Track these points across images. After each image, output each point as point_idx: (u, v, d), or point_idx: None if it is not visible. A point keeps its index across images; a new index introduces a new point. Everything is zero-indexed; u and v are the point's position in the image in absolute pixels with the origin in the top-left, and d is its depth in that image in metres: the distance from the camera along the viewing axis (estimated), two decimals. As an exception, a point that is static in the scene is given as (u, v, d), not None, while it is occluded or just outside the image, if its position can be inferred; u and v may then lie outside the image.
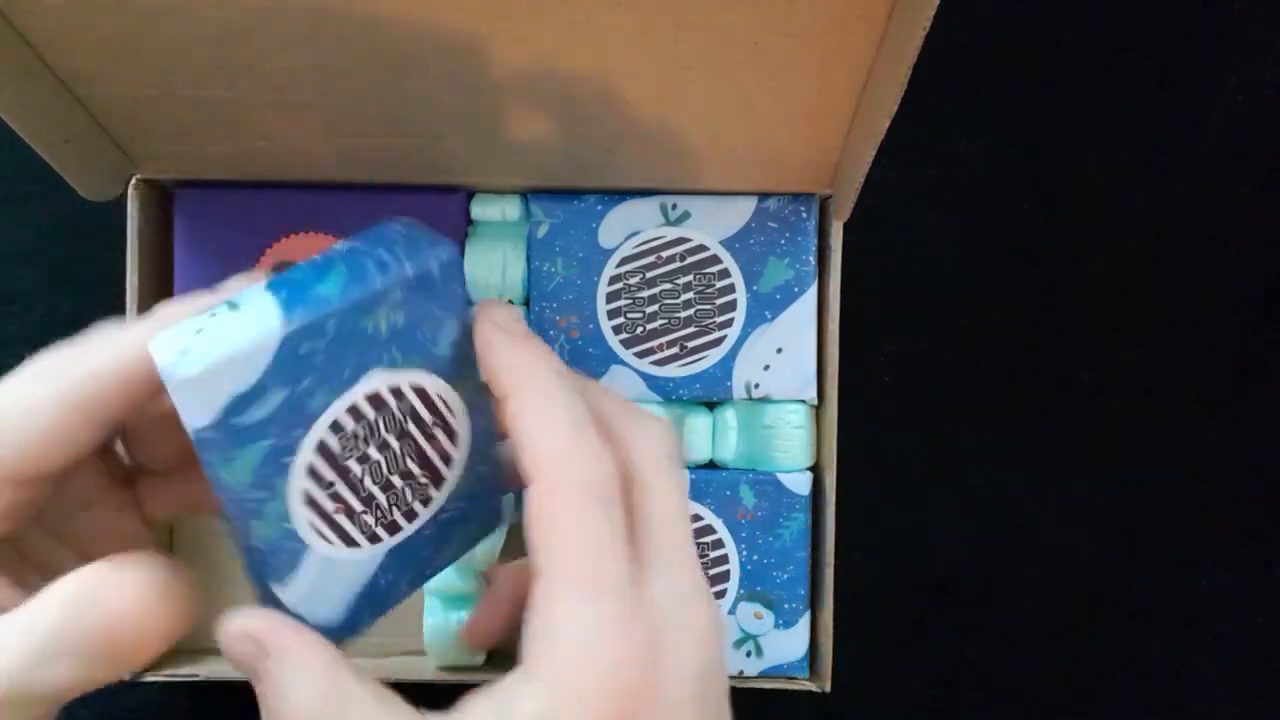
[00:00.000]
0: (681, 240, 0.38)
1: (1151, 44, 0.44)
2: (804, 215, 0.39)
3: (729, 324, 0.38)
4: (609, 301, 0.38)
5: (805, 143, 0.35)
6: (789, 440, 0.38)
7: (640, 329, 0.38)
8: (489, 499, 0.30)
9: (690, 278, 0.38)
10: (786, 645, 0.39)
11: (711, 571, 0.39)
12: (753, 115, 0.33)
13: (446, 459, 0.29)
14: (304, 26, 0.30)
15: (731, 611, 0.39)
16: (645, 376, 0.38)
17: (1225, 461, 0.44)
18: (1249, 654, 0.44)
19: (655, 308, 0.38)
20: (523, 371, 0.25)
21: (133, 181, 0.38)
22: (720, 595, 0.39)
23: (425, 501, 0.29)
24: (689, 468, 0.39)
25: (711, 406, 0.40)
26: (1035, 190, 0.44)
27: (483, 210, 0.39)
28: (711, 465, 0.40)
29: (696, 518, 0.39)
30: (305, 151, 0.36)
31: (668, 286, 0.38)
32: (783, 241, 0.39)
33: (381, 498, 0.28)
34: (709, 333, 0.38)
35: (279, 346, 0.23)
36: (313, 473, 0.26)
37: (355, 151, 0.36)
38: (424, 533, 0.30)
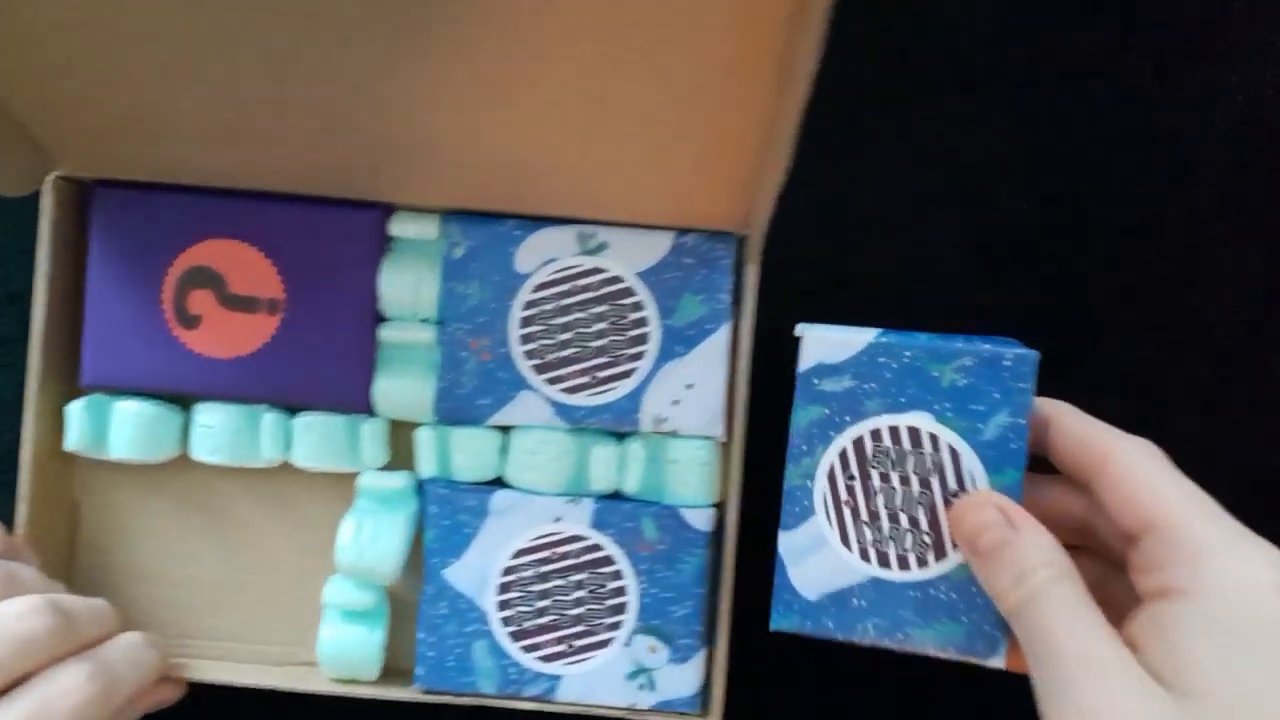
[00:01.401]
0: (597, 270, 0.38)
1: (1151, 44, 0.44)
2: (721, 253, 0.39)
3: (640, 356, 0.38)
4: (522, 327, 0.38)
5: (716, 183, 0.35)
6: (693, 475, 0.38)
7: (552, 356, 0.38)
8: (982, 616, 0.33)
9: (604, 308, 0.38)
10: (679, 680, 0.39)
11: (609, 603, 0.39)
12: (662, 153, 0.34)
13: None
14: (226, 34, 0.30)
15: (627, 644, 0.39)
16: (554, 404, 0.38)
17: (1225, 461, 0.44)
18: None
19: (568, 336, 0.38)
20: (1058, 406, 0.33)
21: (50, 178, 0.38)
22: (616, 627, 0.38)
23: (921, 562, 0.34)
24: (593, 497, 0.39)
25: (620, 437, 0.39)
26: (1035, 190, 0.44)
27: (401, 228, 0.39)
28: (616, 496, 0.39)
29: (596, 547, 0.39)
30: (226, 158, 0.36)
31: (581, 315, 0.38)
32: (698, 278, 0.38)
33: (885, 522, 0.34)
34: (620, 364, 0.38)
35: (864, 349, 0.34)
36: (842, 456, 0.34)
37: (275, 162, 0.36)
38: (909, 592, 0.34)
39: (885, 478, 0.34)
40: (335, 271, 0.38)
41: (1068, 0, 0.44)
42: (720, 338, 0.38)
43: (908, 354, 0.34)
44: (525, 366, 0.38)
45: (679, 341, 0.38)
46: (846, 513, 0.34)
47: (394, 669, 0.40)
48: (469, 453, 0.39)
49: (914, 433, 0.34)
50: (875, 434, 0.34)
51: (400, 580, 0.39)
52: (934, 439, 0.34)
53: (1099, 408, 0.44)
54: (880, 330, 0.35)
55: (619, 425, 0.38)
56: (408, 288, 0.38)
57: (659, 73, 0.30)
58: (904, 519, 0.34)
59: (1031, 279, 0.44)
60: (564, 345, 0.38)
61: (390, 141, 0.34)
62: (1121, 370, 0.44)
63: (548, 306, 0.38)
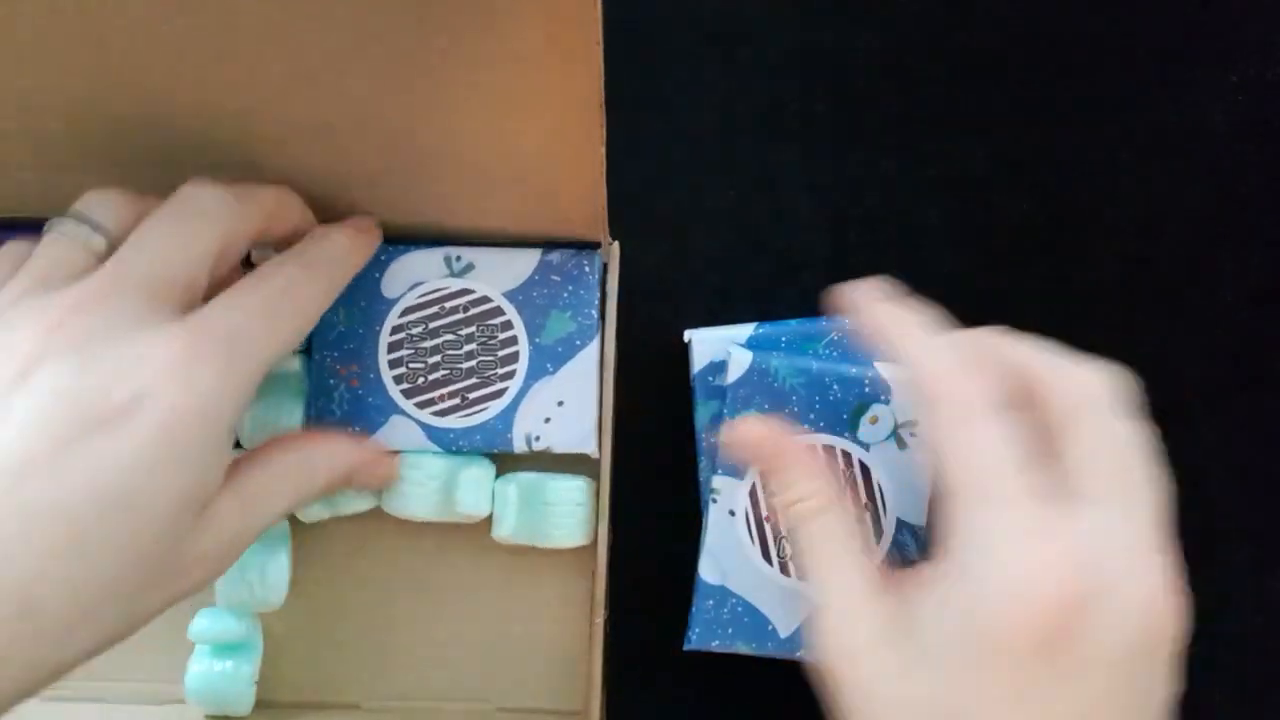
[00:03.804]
0: (465, 291, 0.38)
1: (1151, 44, 0.44)
2: (586, 268, 0.39)
3: (510, 375, 0.38)
4: (390, 351, 0.38)
5: (568, 189, 0.35)
6: (567, 517, 0.38)
7: (422, 379, 0.38)
8: None
9: (473, 329, 0.38)
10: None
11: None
12: (512, 157, 0.33)
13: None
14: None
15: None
16: (425, 427, 0.38)
17: (1225, 461, 0.44)
18: (1249, 654, 0.44)
19: (437, 358, 0.38)
20: (903, 319, 0.30)
21: None
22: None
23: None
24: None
25: (494, 458, 0.39)
26: (1035, 190, 0.44)
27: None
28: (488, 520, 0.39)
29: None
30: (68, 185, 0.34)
31: (450, 338, 0.38)
32: (565, 294, 0.38)
33: None
34: (491, 384, 0.38)
35: (746, 340, 0.38)
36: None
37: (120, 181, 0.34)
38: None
39: None
40: None
41: (1068, 1, 0.44)
42: (589, 353, 0.38)
43: (784, 338, 0.38)
44: (395, 391, 0.38)
45: (549, 359, 0.38)
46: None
47: (267, 702, 0.39)
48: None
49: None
50: None
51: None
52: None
53: (1099, 408, 0.44)
54: (757, 323, 0.39)
55: (491, 446, 0.38)
56: None
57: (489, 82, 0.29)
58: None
59: (1031, 279, 0.44)
60: (434, 368, 0.38)
61: (237, 156, 0.33)
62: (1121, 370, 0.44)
63: (415, 330, 0.38)
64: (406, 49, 0.28)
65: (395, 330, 0.38)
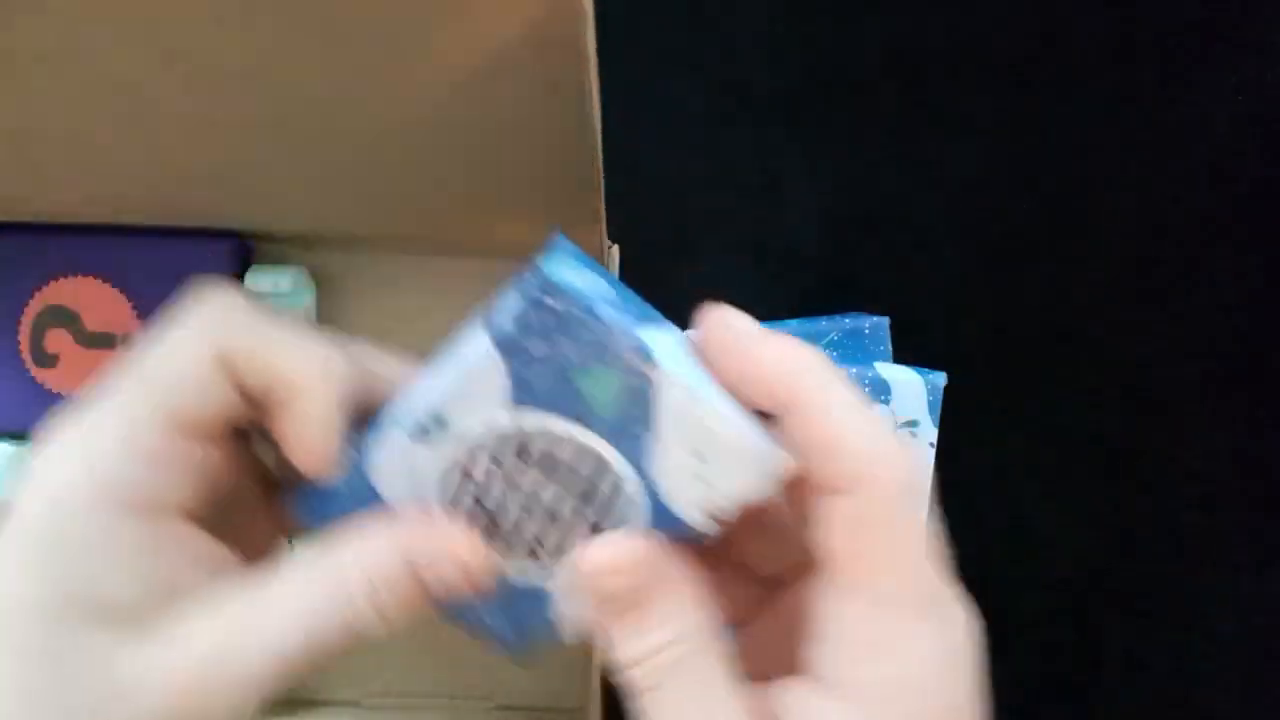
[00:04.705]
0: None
1: (1152, 44, 0.44)
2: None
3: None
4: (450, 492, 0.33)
5: (565, 192, 0.35)
6: None
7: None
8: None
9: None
10: None
11: None
12: (508, 160, 0.33)
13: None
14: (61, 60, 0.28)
15: None
16: None
17: (1225, 461, 0.44)
18: (1249, 654, 0.44)
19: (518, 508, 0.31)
20: (804, 374, 0.22)
21: None
22: None
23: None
24: None
25: None
26: (1035, 190, 0.44)
27: (256, 283, 0.38)
28: None
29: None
30: (72, 192, 0.35)
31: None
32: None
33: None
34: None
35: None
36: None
37: (126, 192, 0.35)
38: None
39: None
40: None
41: (1068, 1, 0.44)
42: None
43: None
44: None
45: None
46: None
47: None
48: None
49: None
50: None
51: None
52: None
53: (1099, 407, 0.44)
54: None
55: None
56: None
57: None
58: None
59: (1031, 279, 0.44)
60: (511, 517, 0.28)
61: (240, 168, 0.34)
62: (1121, 370, 0.44)
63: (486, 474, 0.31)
64: (397, 60, 0.28)
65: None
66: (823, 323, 0.39)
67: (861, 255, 0.44)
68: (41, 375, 0.38)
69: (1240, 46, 0.44)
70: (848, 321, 0.39)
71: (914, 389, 0.37)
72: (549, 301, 0.25)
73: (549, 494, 0.26)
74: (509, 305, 0.25)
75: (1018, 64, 0.44)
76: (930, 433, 0.37)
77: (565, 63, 0.27)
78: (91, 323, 0.38)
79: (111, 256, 0.38)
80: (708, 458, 0.25)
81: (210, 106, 0.31)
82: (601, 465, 0.26)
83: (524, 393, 0.25)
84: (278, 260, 0.40)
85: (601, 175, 0.33)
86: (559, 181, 0.34)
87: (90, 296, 0.38)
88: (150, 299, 0.38)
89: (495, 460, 0.26)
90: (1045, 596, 0.43)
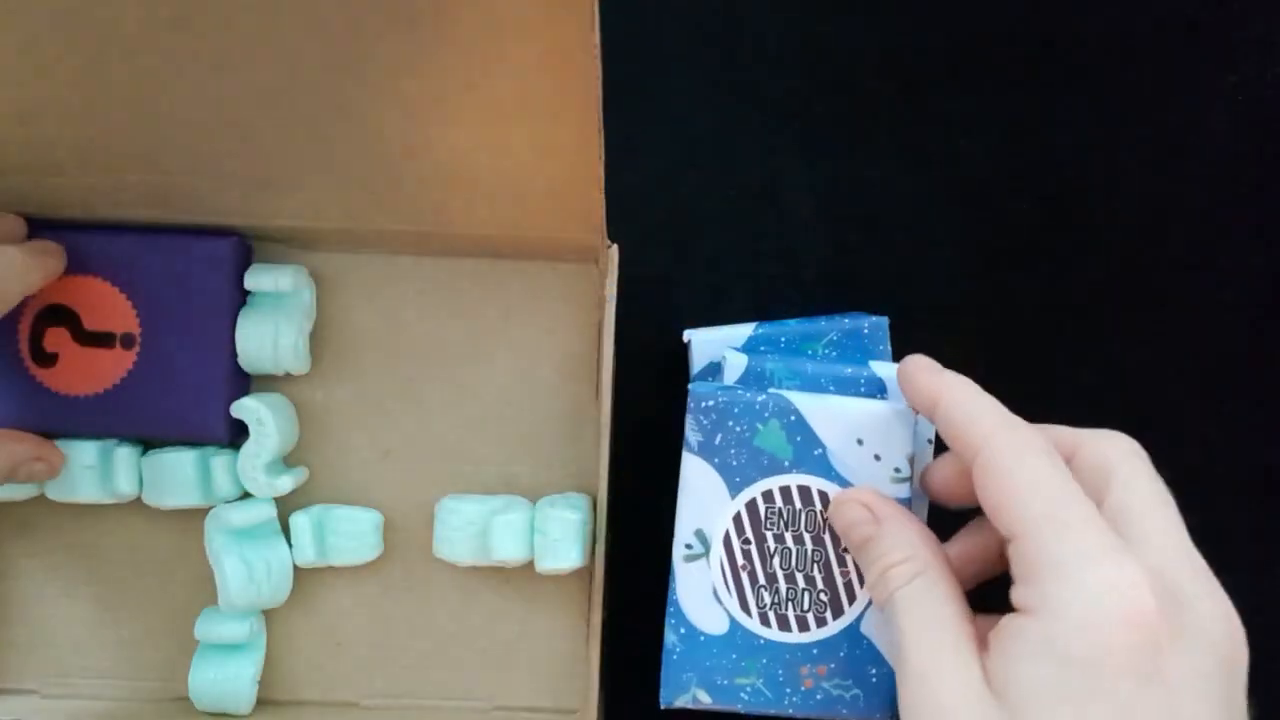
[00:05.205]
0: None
1: (1151, 44, 0.44)
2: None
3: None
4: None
5: (567, 194, 0.35)
6: (564, 539, 0.37)
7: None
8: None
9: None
10: None
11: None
12: (510, 163, 0.33)
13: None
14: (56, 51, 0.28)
15: None
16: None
17: (1225, 461, 0.44)
18: (1249, 654, 0.44)
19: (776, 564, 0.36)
20: (949, 384, 0.31)
21: None
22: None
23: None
24: None
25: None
26: (1035, 190, 0.44)
27: (256, 281, 0.38)
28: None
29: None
30: (69, 190, 0.35)
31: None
32: None
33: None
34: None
35: (746, 340, 0.38)
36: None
37: (116, 188, 0.35)
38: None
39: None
40: (191, 300, 0.38)
41: (1068, 1, 0.44)
42: None
43: (783, 338, 0.38)
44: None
45: None
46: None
47: (267, 700, 0.39)
48: (344, 535, 0.39)
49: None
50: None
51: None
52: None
53: (1099, 407, 0.44)
54: (756, 324, 0.39)
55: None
56: (266, 340, 0.38)
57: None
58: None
59: (1031, 279, 0.44)
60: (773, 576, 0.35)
61: (244, 162, 0.34)
62: (1121, 370, 0.44)
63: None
64: (402, 58, 0.28)
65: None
66: (822, 323, 0.39)
67: (861, 255, 0.44)
68: (40, 374, 0.38)
69: (1240, 46, 0.44)
70: (847, 321, 0.39)
71: None
72: (705, 405, 0.34)
73: (789, 538, 0.33)
74: (688, 427, 0.34)
75: (1018, 64, 0.44)
76: (928, 429, 0.37)
77: (568, 63, 0.28)
78: (90, 321, 0.38)
79: (110, 255, 0.38)
80: (865, 436, 0.34)
81: (211, 104, 0.31)
82: (807, 494, 0.34)
83: (731, 477, 0.34)
84: (277, 259, 0.40)
85: (602, 175, 0.33)
86: (560, 181, 0.34)
87: (89, 295, 0.38)
88: (150, 297, 0.38)
89: (745, 541, 0.34)
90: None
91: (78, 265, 0.38)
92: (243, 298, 0.39)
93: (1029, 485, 0.27)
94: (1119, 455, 0.29)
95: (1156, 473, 0.29)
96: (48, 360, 0.38)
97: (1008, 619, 0.27)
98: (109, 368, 0.38)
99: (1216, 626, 0.26)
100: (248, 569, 0.37)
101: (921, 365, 0.32)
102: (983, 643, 0.28)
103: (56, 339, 0.38)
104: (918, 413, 0.32)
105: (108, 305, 0.38)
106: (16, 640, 0.40)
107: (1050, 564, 0.26)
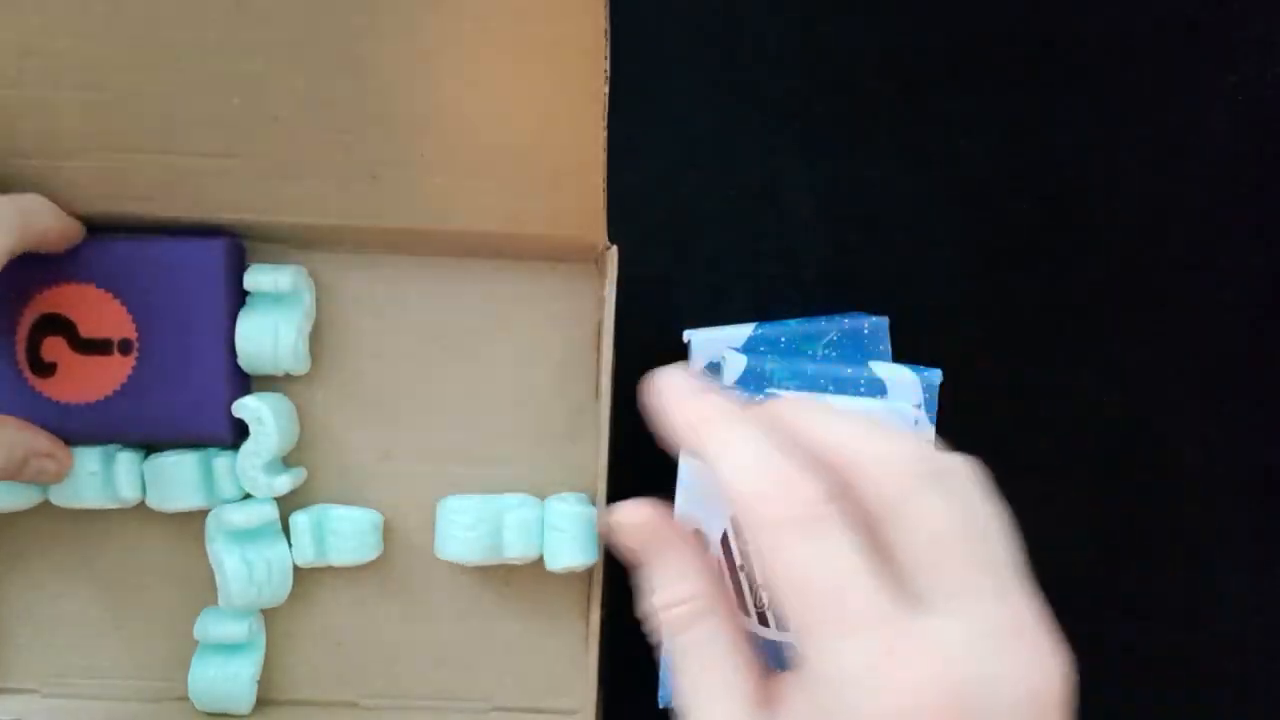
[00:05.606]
0: None
1: (1151, 44, 0.44)
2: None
3: None
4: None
5: (568, 191, 0.35)
6: (569, 537, 0.37)
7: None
8: None
9: None
10: None
11: None
12: (512, 160, 0.33)
13: None
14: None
15: None
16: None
17: (1225, 461, 0.44)
18: (1249, 654, 0.44)
19: None
20: (700, 426, 0.26)
21: None
22: None
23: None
24: None
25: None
26: (1035, 190, 0.44)
27: (255, 281, 0.38)
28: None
29: None
30: (67, 182, 0.35)
31: None
32: None
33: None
34: None
35: (746, 340, 0.38)
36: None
37: (116, 188, 0.35)
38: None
39: None
40: (186, 303, 0.38)
41: (1066, 1, 0.44)
42: None
43: (783, 338, 0.38)
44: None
45: None
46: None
47: (267, 700, 0.40)
48: (343, 535, 0.39)
49: None
50: None
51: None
52: None
53: (1099, 407, 0.44)
54: (756, 324, 0.39)
55: None
56: (266, 340, 0.38)
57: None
58: None
59: (1031, 279, 0.44)
60: None
61: (246, 156, 0.34)
62: (1121, 370, 0.44)
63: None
64: (405, 53, 0.28)
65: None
66: (822, 323, 0.39)
67: (861, 255, 0.44)
68: (39, 384, 0.38)
69: (1240, 46, 0.44)
70: (847, 321, 0.39)
71: (909, 387, 0.37)
72: None
73: None
74: None
75: (1018, 64, 0.44)
76: (927, 430, 0.37)
77: (573, 64, 0.28)
78: (87, 329, 0.38)
79: (103, 262, 0.37)
80: None
81: (211, 103, 0.31)
82: None
83: None
84: (276, 259, 0.40)
85: (603, 176, 0.33)
86: (560, 182, 0.34)
87: (84, 303, 0.37)
88: (145, 302, 0.38)
89: (744, 542, 0.32)
90: (1045, 596, 0.43)
91: (71, 273, 0.37)
92: (240, 298, 0.39)
93: (793, 572, 0.23)
94: (899, 485, 0.23)
95: (948, 488, 0.24)
96: (46, 370, 0.38)
97: (786, 676, 0.25)
98: (108, 374, 0.38)
99: (1023, 696, 0.22)
100: (248, 569, 0.37)
101: (674, 394, 0.27)
102: (766, 699, 0.25)
103: (54, 348, 0.38)
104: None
105: (103, 312, 0.38)
106: (17, 639, 0.40)
107: (822, 668, 0.22)
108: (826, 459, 0.24)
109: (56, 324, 0.38)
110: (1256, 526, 0.44)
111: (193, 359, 0.38)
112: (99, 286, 0.37)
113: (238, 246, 0.39)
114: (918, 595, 0.22)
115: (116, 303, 0.38)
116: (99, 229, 0.38)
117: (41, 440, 0.36)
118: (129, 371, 0.38)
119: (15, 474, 0.35)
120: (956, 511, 0.23)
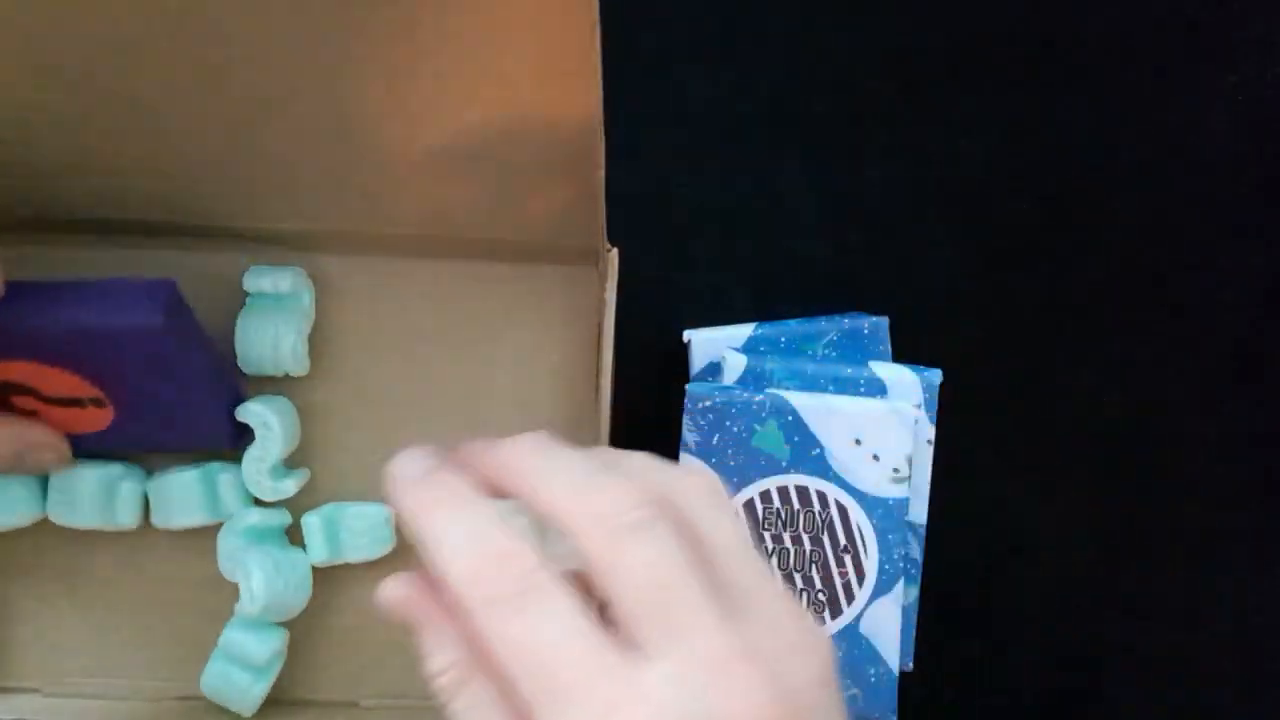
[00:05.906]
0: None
1: (1151, 44, 0.44)
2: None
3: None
4: None
5: (568, 195, 0.35)
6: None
7: None
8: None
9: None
10: None
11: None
12: (512, 163, 0.33)
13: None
14: None
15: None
16: None
17: (1225, 461, 0.44)
18: (1249, 654, 0.44)
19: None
20: (419, 515, 0.26)
21: None
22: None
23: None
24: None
25: None
26: (1035, 190, 0.44)
27: (255, 283, 0.38)
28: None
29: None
30: (64, 192, 0.35)
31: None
32: None
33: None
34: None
35: (746, 340, 0.38)
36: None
37: (117, 191, 0.35)
38: None
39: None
40: (139, 358, 0.33)
41: (1066, 1, 0.44)
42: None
43: (783, 338, 0.38)
44: None
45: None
46: None
47: (267, 700, 0.39)
48: (357, 531, 0.39)
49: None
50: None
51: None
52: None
53: (1099, 407, 0.44)
54: (756, 324, 0.39)
55: None
56: (266, 342, 0.38)
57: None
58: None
59: (1031, 279, 0.44)
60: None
61: (245, 166, 0.33)
62: (1121, 370, 0.44)
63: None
64: (402, 60, 0.28)
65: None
66: (822, 323, 0.39)
67: (861, 255, 0.44)
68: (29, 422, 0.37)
69: (1240, 46, 0.44)
70: (847, 322, 0.39)
71: (909, 387, 0.37)
72: (702, 406, 0.34)
73: (788, 539, 0.34)
74: (684, 427, 0.34)
75: (1018, 64, 0.44)
76: (927, 430, 0.37)
77: (570, 66, 0.28)
78: (50, 390, 0.35)
79: (45, 336, 0.33)
80: (863, 436, 0.34)
81: (211, 104, 0.31)
82: (805, 495, 0.34)
83: (729, 478, 0.34)
84: (276, 261, 0.40)
85: (603, 177, 0.33)
86: (560, 183, 0.34)
87: (38, 375, 0.34)
88: (98, 370, 0.34)
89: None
90: (1045, 596, 0.43)
91: (15, 353, 0.33)
92: (195, 327, 0.35)
93: (512, 649, 0.22)
94: (601, 539, 0.23)
95: (651, 532, 0.22)
96: (29, 414, 0.36)
97: None
98: (92, 418, 0.36)
99: (734, 716, 0.21)
100: (273, 563, 0.38)
101: (404, 480, 0.27)
102: None
103: (28, 402, 0.35)
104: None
105: (60, 380, 0.34)
106: (19, 639, 0.40)
107: (537, 705, 0.22)
108: (545, 518, 0.24)
109: (19, 389, 0.35)
110: (1256, 526, 0.44)
111: (175, 393, 0.36)
112: (42, 364, 0.34)
113: (170, 285, 0.33)
114: (639, 646, 0.22)
115: (66, 373, 0.34)
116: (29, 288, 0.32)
117: (38, 432, 0.36)
118: (112, 415, 0.36)
119: (14, 466, 0.35)
120: (668, 553, 0.22)
